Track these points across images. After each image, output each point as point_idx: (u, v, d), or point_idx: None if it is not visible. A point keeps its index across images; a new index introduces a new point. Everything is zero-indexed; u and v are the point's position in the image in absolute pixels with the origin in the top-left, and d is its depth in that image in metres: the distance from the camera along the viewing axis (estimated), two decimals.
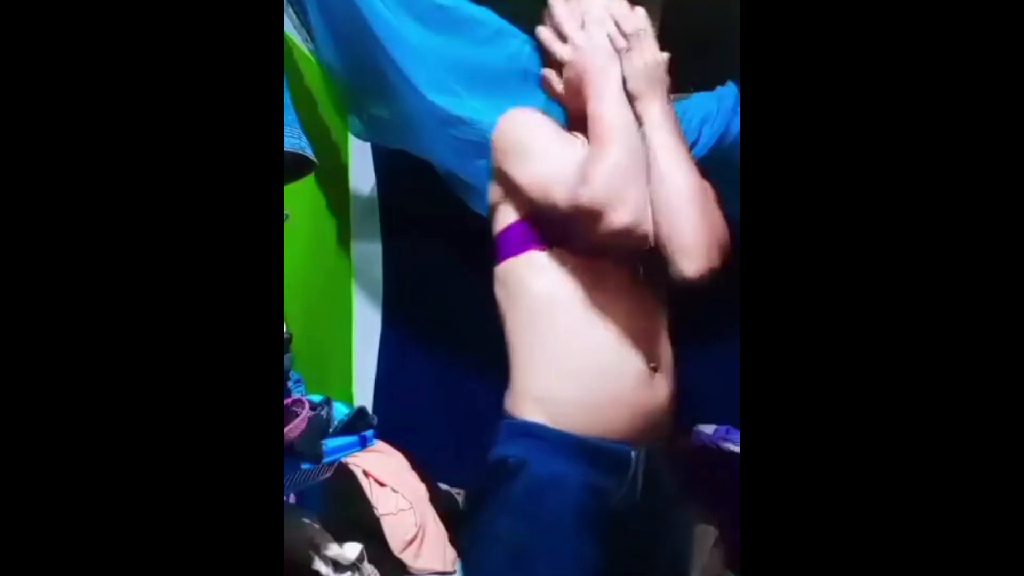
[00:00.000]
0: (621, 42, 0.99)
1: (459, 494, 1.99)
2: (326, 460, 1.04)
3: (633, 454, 0.96)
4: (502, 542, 0.93)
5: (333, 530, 1.35)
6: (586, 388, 0.96)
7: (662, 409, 1.00)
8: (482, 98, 1.57)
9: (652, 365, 0.99)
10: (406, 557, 1.64)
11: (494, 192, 1.12)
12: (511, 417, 1.00)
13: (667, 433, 1.03)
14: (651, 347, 1.00)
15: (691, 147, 1.70)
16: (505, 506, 0.93)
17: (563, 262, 1.00)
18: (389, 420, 1.82)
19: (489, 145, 1.17)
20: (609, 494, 0.94)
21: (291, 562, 1.18)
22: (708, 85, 1.74)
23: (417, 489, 1.82)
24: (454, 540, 1.79)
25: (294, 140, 1.34)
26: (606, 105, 0.96)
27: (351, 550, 1.32)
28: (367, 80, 1.65)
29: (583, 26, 1.03)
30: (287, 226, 0.94)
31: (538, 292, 1.01)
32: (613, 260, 1.01)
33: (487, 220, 1.18)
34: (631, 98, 0.97)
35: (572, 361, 0.97)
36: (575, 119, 1.10)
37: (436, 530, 1.78)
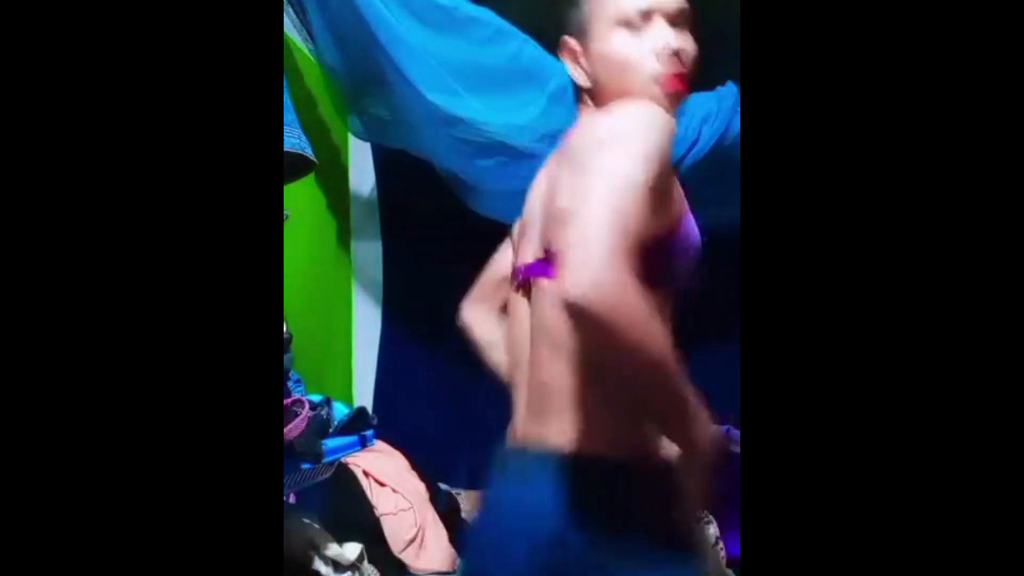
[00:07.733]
0: None
1: (459, 494, 1.99)
2: (326, 460, 1.05)
3: None
4: None
5: (333, 530, 1.35)
6: None
7: None
8: (482, 98, 1.57)
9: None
10: (406, 557, 1.64)
11: None
12: None
13: None
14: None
15: (691, 147, 1.71)
16: None
17: None
18: (389, 420, 1.82)
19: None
20: None
21: (291, 562, 1.18)
22: (708, 85, 1.74)
23: (417, 489, 1.82)
24: (454, 540, 1.79)
25: (294, 140, 1.34)
26: None
27: (351, 550, 1.32)
28: (367, 80, 1.65)
29: None
30: (287, 226, 0.94)
31: None
32: None
33: (486, 219, 1.19)
34: None
35: None
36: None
37: (436, 530, 1.78)
